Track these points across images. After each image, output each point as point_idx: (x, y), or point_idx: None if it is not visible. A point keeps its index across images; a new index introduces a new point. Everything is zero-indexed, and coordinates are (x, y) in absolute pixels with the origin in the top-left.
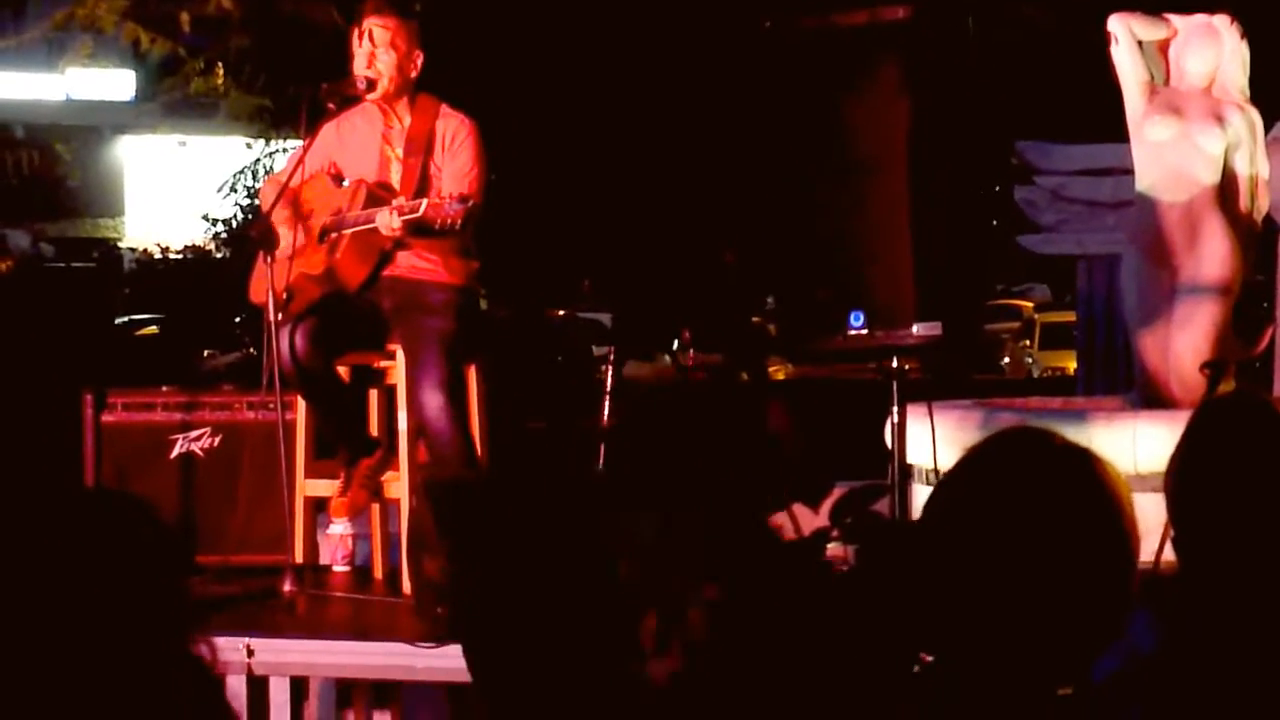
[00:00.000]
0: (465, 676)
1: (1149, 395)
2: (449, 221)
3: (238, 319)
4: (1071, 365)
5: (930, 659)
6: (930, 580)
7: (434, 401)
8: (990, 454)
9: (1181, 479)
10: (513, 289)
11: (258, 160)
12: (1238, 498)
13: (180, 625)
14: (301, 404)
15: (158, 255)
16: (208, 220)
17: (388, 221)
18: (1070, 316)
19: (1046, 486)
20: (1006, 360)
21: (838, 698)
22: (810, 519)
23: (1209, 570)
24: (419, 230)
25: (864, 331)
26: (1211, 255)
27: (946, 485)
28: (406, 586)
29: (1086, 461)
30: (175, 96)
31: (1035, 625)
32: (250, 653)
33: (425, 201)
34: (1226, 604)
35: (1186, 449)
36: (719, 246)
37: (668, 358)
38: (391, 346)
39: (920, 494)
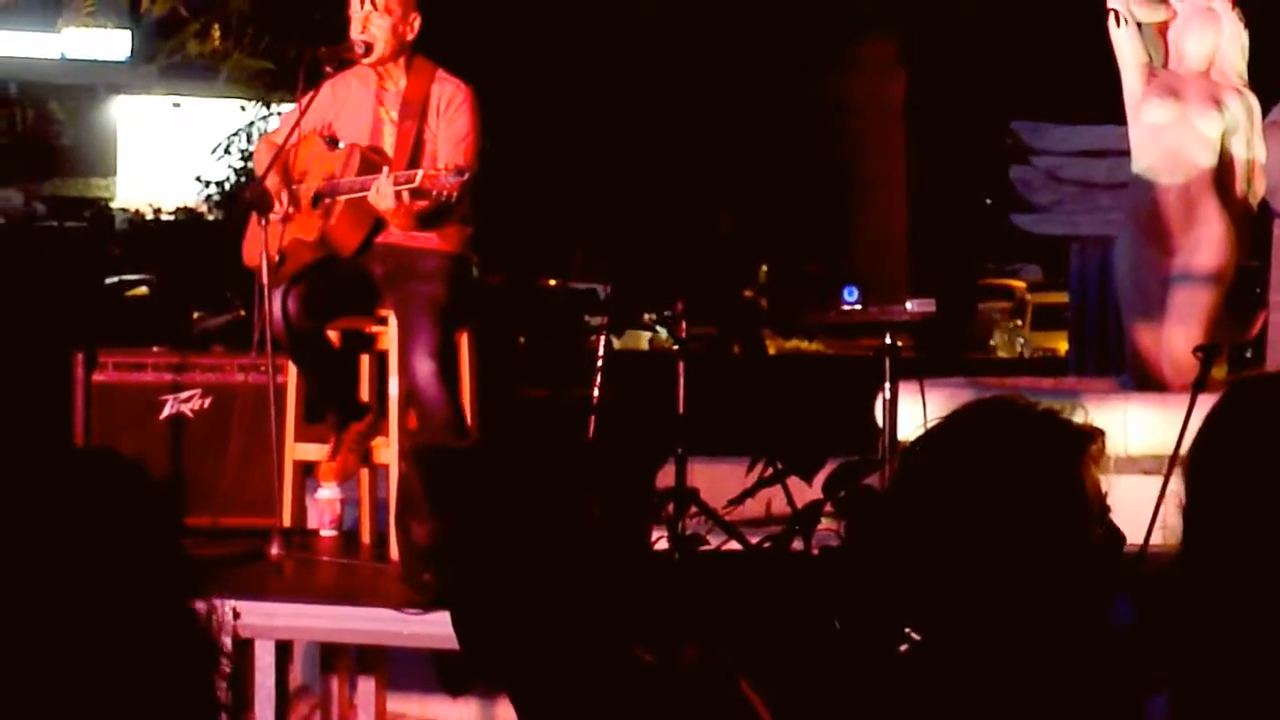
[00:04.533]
0: (451, 643)
1: (1141, 377)
2: (445, 193)
3: (228, 281)
4: (1062, 346)
5: (917, 636)
6: (900, 548)
7: (425, 368)
8: (955, 421)
9: (1205, 456)
10: (506, 257)
11: (252, 123)
12: (1264, 478)
13: (177, 587)
14: (292, 368)
15: (150, 216)
16: (201, 182)
17: (382, 197)
18: (1062, 297)
19: (1008, 447)
20: (998, 340)
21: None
22: (804, 492)
23: (1220, 551)
24: (416, 212)
25: (858, 306)
26: (1207, 239)
27: (911, 453)
28: (394, 552)
29: (1051, 423)
30: (173, 59)
31: (1007, 590)
32: (236, 615)
33: (421, 172)
34: (1236, 585)
35: (1214, 425)
36: (714, 216)
37: (661, 329)
38: (383, 312)
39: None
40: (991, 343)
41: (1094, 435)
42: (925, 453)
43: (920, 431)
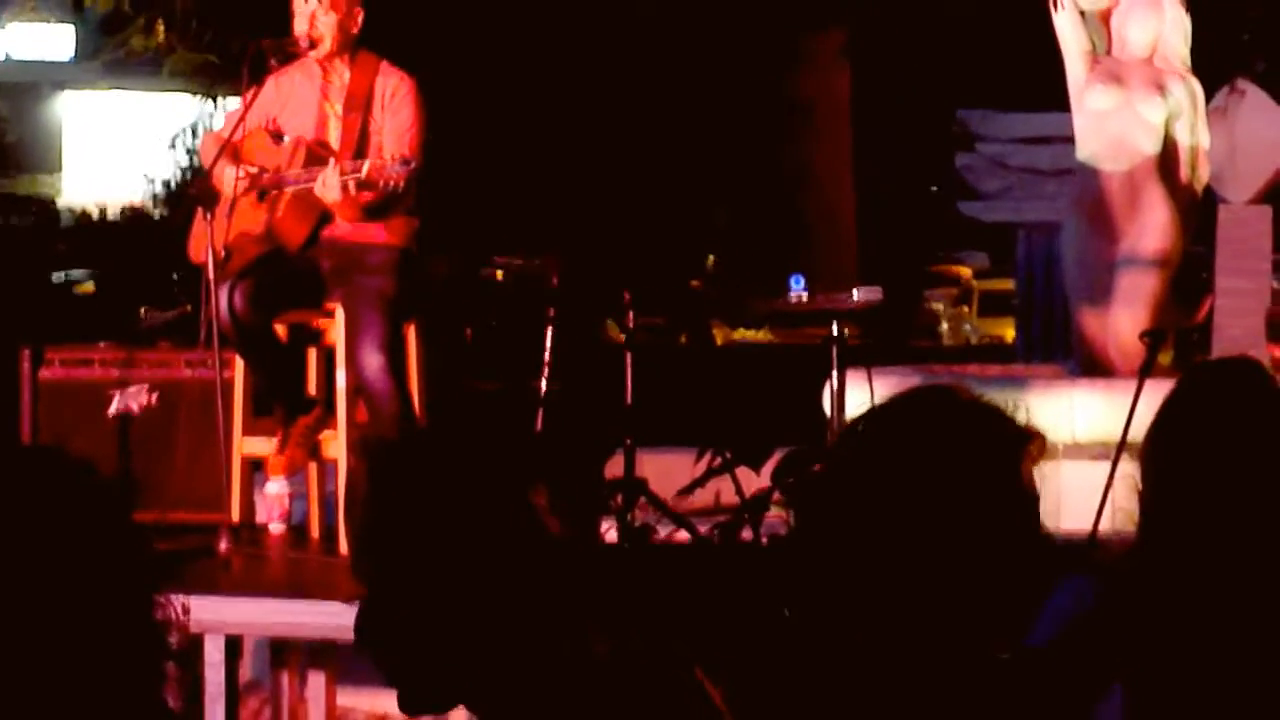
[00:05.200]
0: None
1: (1087, 363)
2: (391, 183)
3: (175, 275)
4: (1009, 333)
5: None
6: (834, 531)
7: (374, 361)
8: (896, 407)
9: (1163, 438)
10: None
11: (197, 119)
12: (1221, 461)
13: (130, 584)
14: (239, 362)
15: (96, 216)
16: (147, 179)
17: (328, 189)
18: (1008, 284)
19: (944, 438)
20: (944, 327)
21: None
22: (752, 481)
23: (1180, 532)
24: (363, 205)
25: (805, 295)
26: (1152, 224)
27: (850, 435)
28: (343, 546)
29: (992, 418)
30: (117, 54)
31: (949, 583)
32: (185, 610)
33: (368, 162)
34: (1194, 565)
35: (1171, 412)
36: (658, 207)
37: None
38: (330, 306)
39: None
40: (939, 330)
41: (1034, 436)
42: (864, 436)
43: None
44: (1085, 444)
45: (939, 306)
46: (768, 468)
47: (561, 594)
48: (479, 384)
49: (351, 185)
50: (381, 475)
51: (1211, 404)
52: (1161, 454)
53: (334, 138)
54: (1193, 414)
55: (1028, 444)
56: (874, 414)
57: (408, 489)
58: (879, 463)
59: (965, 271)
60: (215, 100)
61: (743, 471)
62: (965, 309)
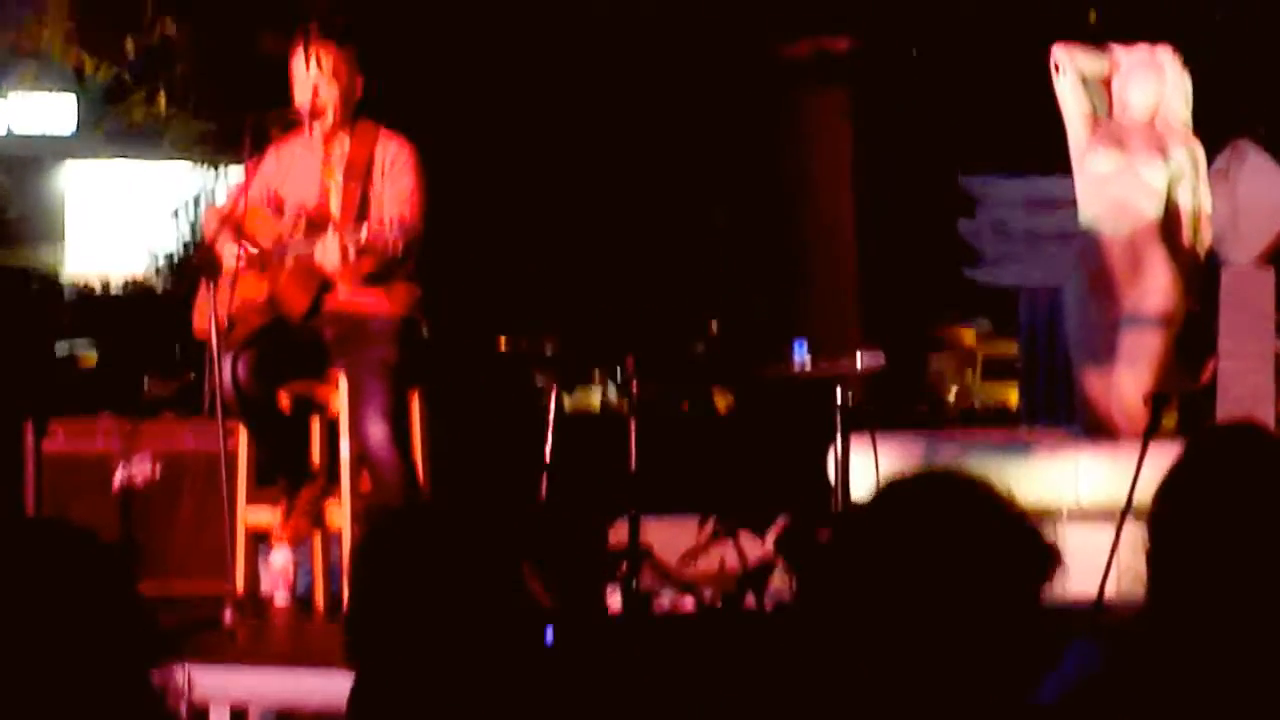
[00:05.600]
0: None
1: (1091, 426)
2: (390, 248)
3: (178, 346)
4: (1013, 398)
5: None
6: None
7: (378, 431)
8: (899, 490)
9: (1170, 503)
10: (457, 317)
11: (199, 191)
12: (1228, 526)
13: (132, 655)
14: (243, 432)
15: (98, 290)
16: (150, 253)
17: (329, 255)
18: (1012, 349)
19: (950, 517)
20: (948, 392)
21: None
22: (756, 547)
23: (1187, 597)
24: (362, 264)
25: (807, 361)
26: (1155, 287)
27: (853, 521)
28: None
29: (989, 494)
30: (119, 123)
31: (954, 652)
32: (190, 681)
33: (366, 227)
34: (1202, 630)
35: (1178, 477)
36: (661, 275)
37: (611, 387)
38: (334, 375)
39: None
40: (943, 394)
41: (1056, 559)
42: (872, 522)
43: (874, 488)
44: (1090, 508)
45: (943, 371)
46: (771, 534)
47: (552, 673)
48: (482, 451)
49: (351, 251)
50: (376, 549)
51: (1218, 469)
52: (1168, 519)
53: (335, 206)
54: (1199, 479)
55: (1052, 569)
56: (882, 498)
57: (402, 564)
58: (885, 549)
59: (968, 336)
60: (217, 170)
61: (748, 537)
62: (969, 373)
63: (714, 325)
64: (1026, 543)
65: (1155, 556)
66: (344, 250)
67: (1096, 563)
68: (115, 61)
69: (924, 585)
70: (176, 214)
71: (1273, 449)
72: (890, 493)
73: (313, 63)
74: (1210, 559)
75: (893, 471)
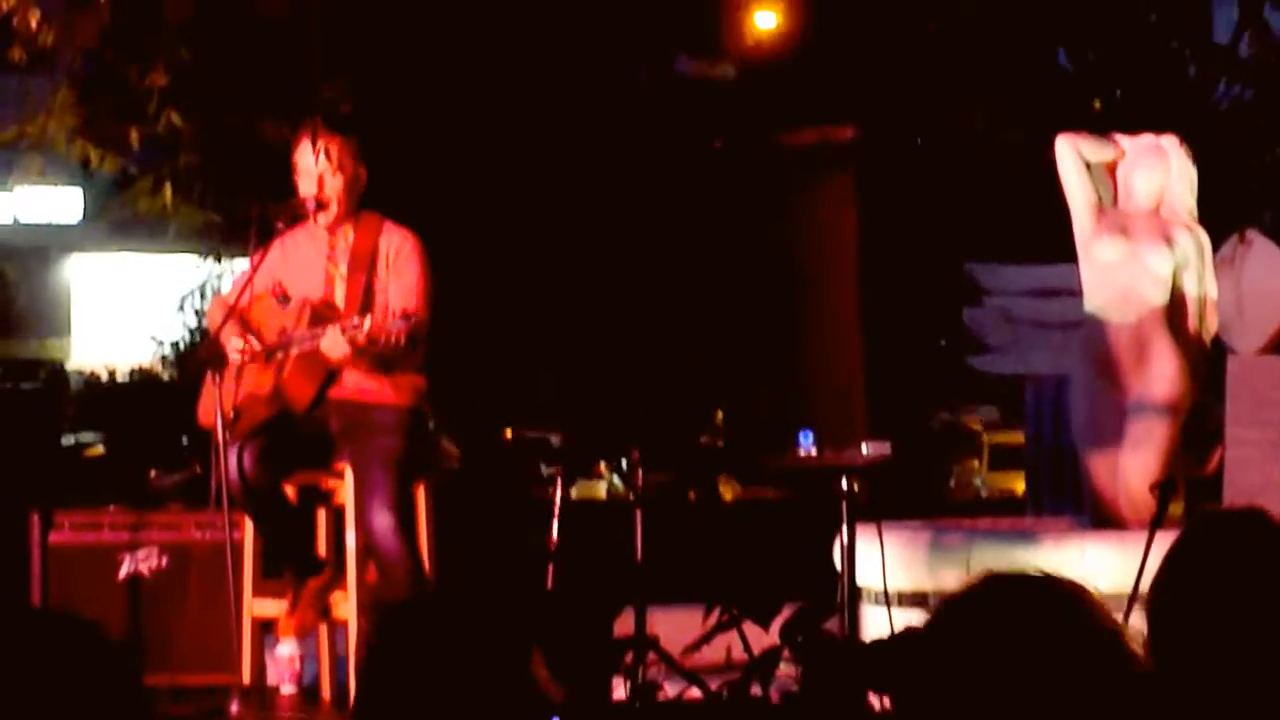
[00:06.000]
0: None
1: (1098, 515)
2: (393, 339)
3: (184, 438)
4: (1020, 487)
5: None
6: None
7: (383, 522)
8: (976, 600)
9: (1167, 589)
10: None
11: (205, 281)
12: (1226, 613)
13: None
14: (249, 523)
15: (105, 378)
16: (155, 341)
17: (333, 346)
18: (1018, 438)
19: (1039, 631)
20: (955, 481)
21: None
22: (761, 638)
23: (1186, 684)
24: (367, 353)
25: (813, 451)
26: (1161, 375)
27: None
28: None
29: (1077, 599)
30: (124, 215)
31: None
32: None
33: (370, 319)
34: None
35: (1175, 563)
36: (669, 365)
37: (616, 477)
38: (339, 466)
39: (870, 614)
40: (949, 484)
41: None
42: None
43: (883, 575)
44: (1098, 597)
45: (950, 460)
46: (777, 624)
47: None
48: (491, 540)
49: (355, 342)
50: (383, 641)
51: (1215, 555)
52: (1166, 605)
53: (340, 298)
54: (1196, 565)
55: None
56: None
57: (409, 656)
58: (979, 649)
59: (976, 425)
60: (222, 261)
61: (754, 628)
62: (976, 462)
63: (720, 415)
64: (1117, 662)
65: (1154, 640)
66: (351, 342)
67: None
68: (120, 153)
69: (1011, 691)
70: (182, 304)
71: (1271, 535)
72: (985, 592)
73: (319, 154)
74: (1208, 643)
75: (902, 559)
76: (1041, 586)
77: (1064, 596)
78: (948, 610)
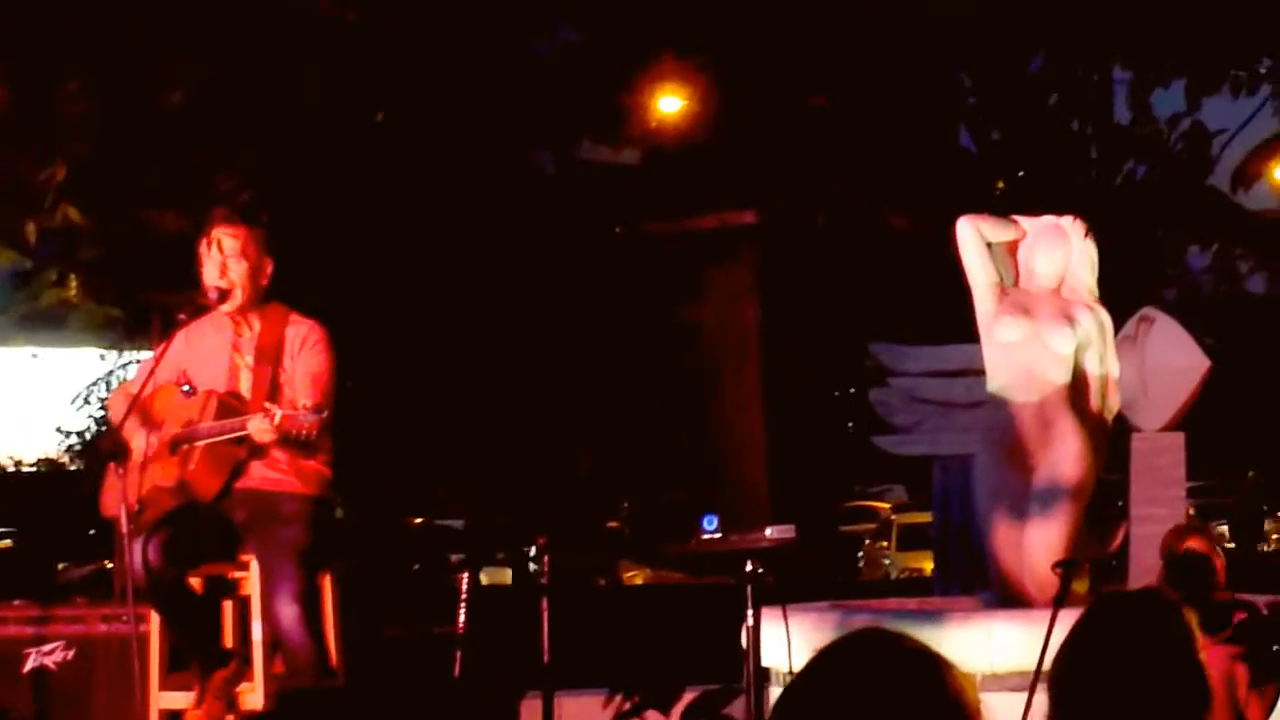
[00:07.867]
0: None
1: (1004, 595)
2: (304, 431)
3: (92, 531)
4: (929, 566)
5: None
6: None
7: (289, 612)
8: (838, 655)
9: (1066, 669)
10: (367, 496)
11: (110, 372)
12: (1126, 690)
13: None
14: (155, 616)
15: (10, 469)
16: (61, 432)
17: (260, 431)
18: (927, 517)
19: (894, 689)
20: (863, 562)
21: None
22: None
23: None
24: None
25: (718, 535)
26: (1064, 454)
27: (796, 688)
28: None
29: (933, 664)
30: (27, 309)
31: None
32: None
33: (279, 411)
34: None
35: (1075, 643)
36: (572, 451)
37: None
38: (245, 557)
39: (776, 696)
40: (857, 565)
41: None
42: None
43: (789, 657)
44: (1003, 674)
45: (857, 541)
46: (678, 709)
47: None
48: (396, 630)
49: (274, 429)
50: None
51: (1114, 635)
52: (1067, 683)
53: (245, 389)
54: (1096, 645)
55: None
56: (816, 667)
57: None
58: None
59: (884, 506)
60: (121, 353)
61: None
62: (884, 543)
63: (626, 503)
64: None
65: (1056, 716)
66: (277, 432)
67: None
68: (18, 248)
69: None
70: (87, 396)
71: (1166, 616)
72: (825, 657)
73: (220, 244)
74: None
75: (809, 640)
76: (901, 646)
77: (919, 657)
78: (815, 661)
